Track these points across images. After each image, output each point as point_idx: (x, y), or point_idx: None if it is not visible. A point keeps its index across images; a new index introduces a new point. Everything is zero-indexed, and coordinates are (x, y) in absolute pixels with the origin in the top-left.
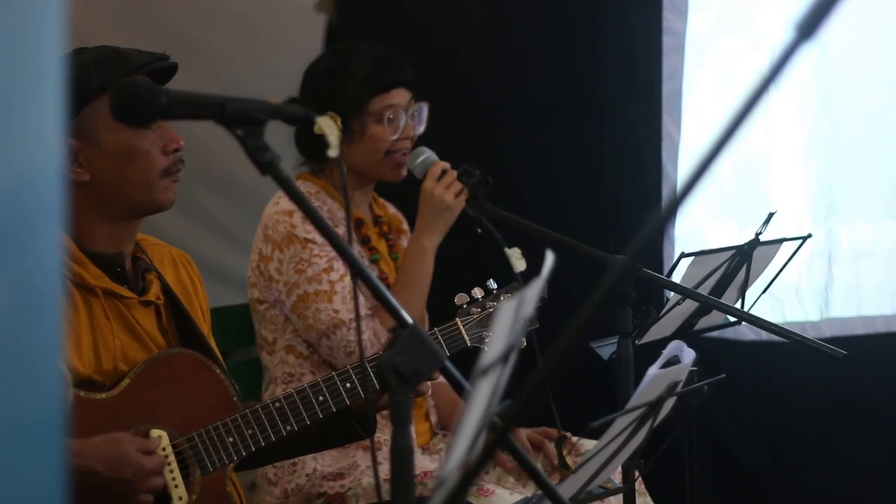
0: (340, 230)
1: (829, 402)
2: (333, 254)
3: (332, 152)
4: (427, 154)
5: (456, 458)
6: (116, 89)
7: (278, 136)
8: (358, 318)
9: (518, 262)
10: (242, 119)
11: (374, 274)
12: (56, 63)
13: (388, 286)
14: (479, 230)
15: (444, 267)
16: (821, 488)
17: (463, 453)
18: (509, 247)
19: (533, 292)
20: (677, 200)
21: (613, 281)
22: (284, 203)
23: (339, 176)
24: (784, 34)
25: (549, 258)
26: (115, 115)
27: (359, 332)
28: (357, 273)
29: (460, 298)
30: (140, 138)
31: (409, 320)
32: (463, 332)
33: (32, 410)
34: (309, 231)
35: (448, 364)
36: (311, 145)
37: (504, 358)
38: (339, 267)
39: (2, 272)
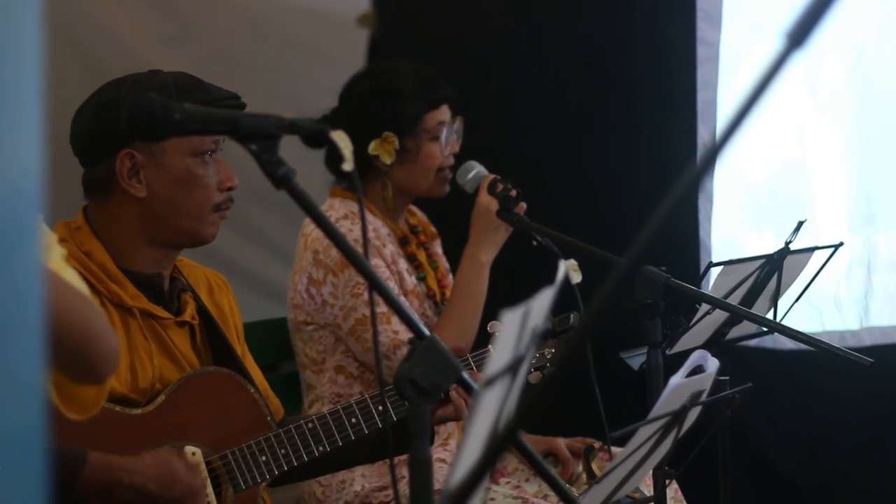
0: (388, 249)
1: (870, 409)
2: (387, 273)
3: (347, 166)
4: (478, 168)
5: (462, 470)
6: (129, 105)
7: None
8: (375, 337)
9: (574, 274)
10: (256, 134)
11: (393, 289)
12: (35, 71)
13: (436, 303)
14: (535, 242)
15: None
16: (862, 496)
17: (470, 465)
18: (565, 258)
19: (542, 302)
20: (664, 211)
21: (617, 280)
22: None
23: (387, 193)
24: (778, 43)
25: (562, 267)
26: (130, 131)
27: (377, 351)
28: (375, 288)
29: (493, 326)
30: (204, 169)
31: (427, 332)
32: None
33: (15, 419)
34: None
35: (466, 376)
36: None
37: (512, 369)
38: (394, 287)
39: None
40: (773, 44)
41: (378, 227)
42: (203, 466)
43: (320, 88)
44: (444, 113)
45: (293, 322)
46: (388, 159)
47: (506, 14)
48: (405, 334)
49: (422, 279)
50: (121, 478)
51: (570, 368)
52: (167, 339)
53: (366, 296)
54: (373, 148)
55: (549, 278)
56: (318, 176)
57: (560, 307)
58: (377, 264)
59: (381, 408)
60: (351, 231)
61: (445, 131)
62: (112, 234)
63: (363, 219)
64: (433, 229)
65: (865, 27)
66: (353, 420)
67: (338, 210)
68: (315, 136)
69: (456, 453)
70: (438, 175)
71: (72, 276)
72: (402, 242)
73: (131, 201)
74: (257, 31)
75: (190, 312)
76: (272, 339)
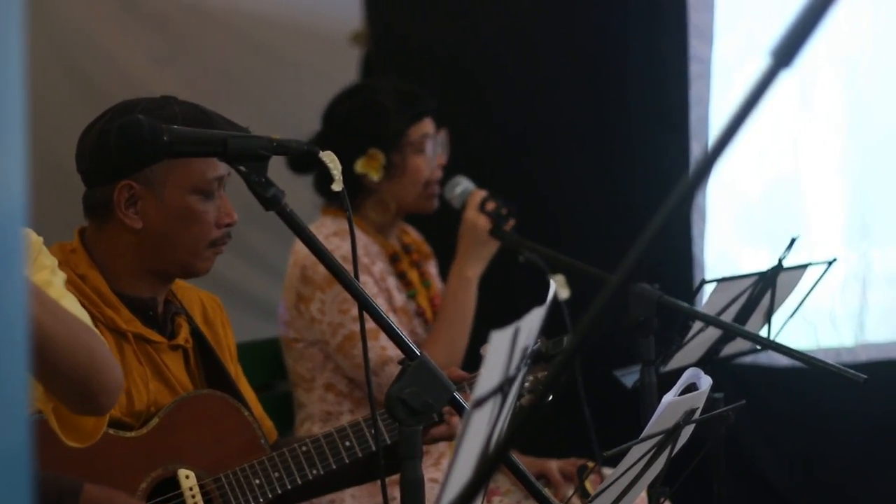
0: (378, 266)
1: (865, 425)
2: (376, 290)
3: (337, 186)
4: (466, 184)
5: (452, 491)
6: (119, 128)
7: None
8: (366, 355)
9: (562, 290)
10: (245, 155)
11: (382, 308)
12: (18, 90)
13: (426, 320)
14: (521, 258)
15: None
16: None
17: (460, 485)
18: (553, 273)
19: (532, 322)
20: (652, 232)
21: (607, 298)
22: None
23: (378, 210)
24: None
25: (556, 286)
26: (119, 154)
27: (367, 369)
28: (364, 308)
29: (486, 350)
30: (204, 205)
31: (418, 352)
32: None
33: (1, 439)
34: (349, 271)
35: (458, 396)
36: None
37: (502, 389)
38: (382, 303)
39: None
40: (761, 62)
41: (368, 244)
42: (197, 489)
43: (313, 107)
44: (428, 125)
45: (284, 340)
46: (375, 176)
47: (499, 31)
48: (393, 350)
49: (412, 297)
50: (117, 501)
51: (561, 388)
52: (161, 363)
53: (353, 312)
54: (360, 166)
55: (538, 293)
56: (309, 197)
57: (548, 322)
58: (365, 281)
59: (373, 431)
60: (339, 248)
61: (430, 144)
62: (108, 258)
63: (353, 239)
64: (428, 249)
65: (859, 42)
66: (347, 443)
67: (328, 227)
68: (304, 156)
69: (445, 474)
70: (426, 190)
71: (72, 304)
72: (392, 260)
73: (127, 230)
74: (250, 50)
75: (183, 336)
76: (266, 359)
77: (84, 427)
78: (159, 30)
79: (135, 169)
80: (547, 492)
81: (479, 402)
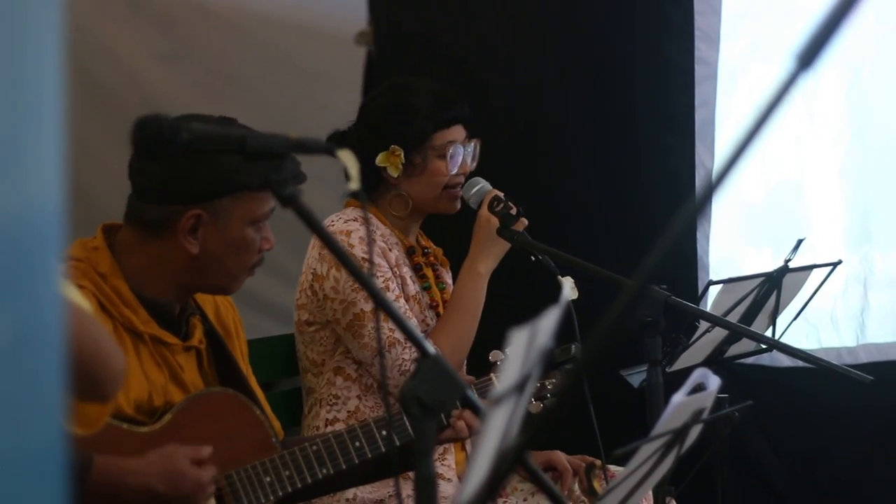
0: (394, 253)
1: (867, 425)
2: (390, 274)
3: (353, 185)
4: (482, 184)
5: (471, 489)
6: (138, 125)
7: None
8: (382, 357)
9: (571, 292)
10: (263, 154)
11: (397, 305)
12: (54, 99)
13: (438, 314)
14: (533, 258)
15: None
16: None
17: (478, 483)
18: (562, 275)
19: (548, 322)
20: (674, 234)
21: (625, 304)
22: (340, 224)
23: (396, 205)
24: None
25: (566, 288)
26: (139, 152)
27: (383, 369)
28: (379, 304)
29: (495, 356)
30: (256, 234)
31: (432, 350)
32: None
33: (36, 434)
34: (366, 252)
35: (470, 394)
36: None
37: (519, 387)
38: (395, 287)
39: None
40: (773, 63)
41: (386, 234)
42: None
43: (318, 106)
44: (456, 132)
45: (297, 324)
46: (394, 172)
47: (504, 32)
48: (400, 333)
49: (426, 289)
50: (127, 480)
51: (574, 395)
52: (175, 364)
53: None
54: (380, 160)
55: (546, 293)
56: (333, 191)
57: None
58: (380, 265)
59: (384, 432)
60: (358, 230)
61: (455, 150)
62: (142, 266)
63: (370, 242)
64: (444, 257)
65: (862, 47)
66: (357, 444)
67: (349, 214)
68: (322, 154)
69: (465, 472)
70: (446, 192)
71: (72, 293)
72: (409, 252)
73: (181, 252)
74: (255, 49)
75: (198, 337)
76: (271, 357)
77: (88, 414)
78: (164, 29)
79: (206, 198)
80: (558, 490)
81: (500, 400)
